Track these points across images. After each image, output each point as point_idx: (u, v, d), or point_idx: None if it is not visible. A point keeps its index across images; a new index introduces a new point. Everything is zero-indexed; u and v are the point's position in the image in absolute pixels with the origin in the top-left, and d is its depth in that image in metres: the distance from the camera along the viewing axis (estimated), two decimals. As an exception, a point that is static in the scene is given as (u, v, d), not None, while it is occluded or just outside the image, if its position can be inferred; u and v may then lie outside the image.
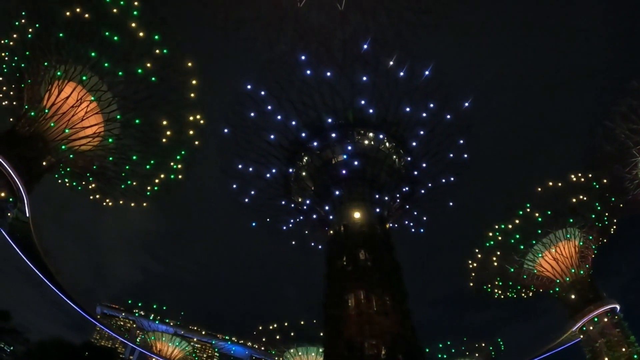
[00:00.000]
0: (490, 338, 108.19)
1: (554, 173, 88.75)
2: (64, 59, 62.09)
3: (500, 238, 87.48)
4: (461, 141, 63.07)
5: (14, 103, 68.60)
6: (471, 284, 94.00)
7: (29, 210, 63.55)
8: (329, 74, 56.07)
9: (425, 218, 68.19)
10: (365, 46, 56.22)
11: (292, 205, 66.28)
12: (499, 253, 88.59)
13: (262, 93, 57.33)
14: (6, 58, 67.27)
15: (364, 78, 57.12)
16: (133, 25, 59.93)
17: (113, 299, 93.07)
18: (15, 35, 65.31)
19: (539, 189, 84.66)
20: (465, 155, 63.88)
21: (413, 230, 68.57)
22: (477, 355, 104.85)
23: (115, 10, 60.19)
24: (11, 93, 69.22)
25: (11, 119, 67.01)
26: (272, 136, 60.39)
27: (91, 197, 74.77)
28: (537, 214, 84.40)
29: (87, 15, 60.20)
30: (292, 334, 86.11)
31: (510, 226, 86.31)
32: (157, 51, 60.99)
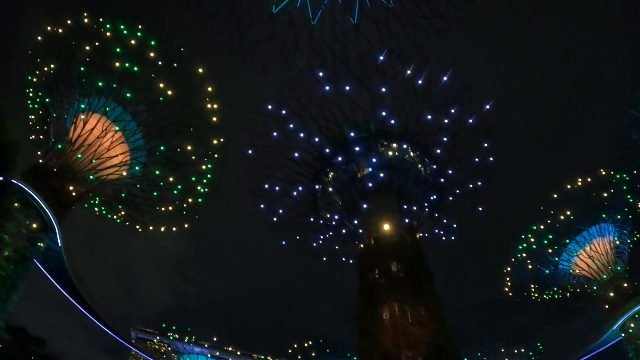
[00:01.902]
0: (529, 342, 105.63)
1: (583, 169, 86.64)
2: (87, 91, 63.75)
3: (532, 240, 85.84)
4: (485, 144, 62.44)
5: (41, 137, 70.30)
6: (507, 289, 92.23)
7: (61, 240, 64.71)
8: (347, 87, 56.15)
9: (455, 225, 67.49)
10: (382, 57, 56.36)
11: (321, 221, 66.30)
12: (533, 255, 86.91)
13: (284, 112, 57.75)
14: (31, 94, 69.19)
15: (383, 89, 57.07)
16: (152, 55, 61.63)
17: (147, 323, 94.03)
18: (38, 72, 67.30)
19: (568, 187, 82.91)
20: (491, 158, 63.21)
21: (444, 238, 67.87)
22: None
23: (133, 42, 62.05)
24: (38, 127, 70.99)
25: (39, 152, 68.56)
26: (296, 154, 60.67)
27: (121, 224, 76.27)
28: (568, 212, 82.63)
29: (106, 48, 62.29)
30: (327, 349, 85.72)
31: (542, 227, 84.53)
32: (176, 77, 62.28)
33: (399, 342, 48.67)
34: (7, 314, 55.44)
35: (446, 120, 60.39)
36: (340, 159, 60.65)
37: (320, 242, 68.79)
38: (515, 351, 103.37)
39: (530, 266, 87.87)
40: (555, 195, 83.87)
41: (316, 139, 59.77)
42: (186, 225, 73.94)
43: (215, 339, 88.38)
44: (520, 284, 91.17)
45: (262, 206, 64.39)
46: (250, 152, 61.15)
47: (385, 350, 48.88)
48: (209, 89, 63.57)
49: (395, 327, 49.77)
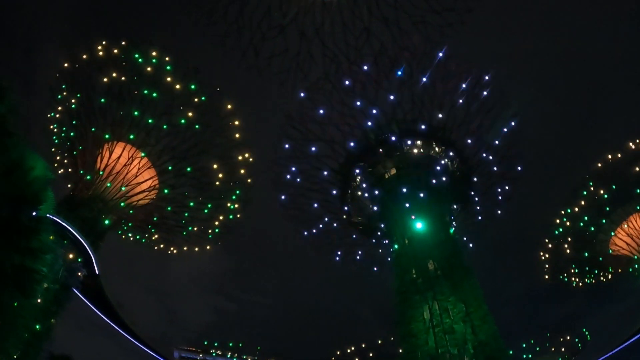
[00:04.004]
0: (573, 330, 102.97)
1: (613, 145, 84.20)
2: (109, 121, 65.12)
3: (568, 223, 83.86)
4: (510, 131, 61.53)
5: (70, 170, 71.71)
6: (546, 277, 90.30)
7: (98, 268, 66.02)
8: (366, 90, 56.22)
9: (488, 216, 66.54)
10: (396, 56, 56.33)
11: (354, 226, 66.20)
12: (569, 239, 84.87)
13: (305, 122, 58.01)
14: (55, 129, 70.77)
15: (401, 88, 56.93)
16: (169, 79, 63.12)
17: (189, 342, 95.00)
18: (60, 107, 68.84)
19: (599, 164, 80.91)
20: (517, 144, 62.38)
21: (478, 231, 67.02)
22: (563, 349, 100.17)
23: (149, 69, 63.60)
24: (65, 161, 72.49)
25: (69, 185, 69.97)
26: (322, 162, 60.87)
27: (155, 247, 77.56)
28: (601, 191, 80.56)
29: (124, 78, 63.76)
30: (370, 354, 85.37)
31: (576, 209, 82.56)
32: (196, 99, 63.30)
33: (442, 341, 48.20)
34: (50, 343, 56.68)
35: (468, 111, 59.82)
36: (366, 162, 60.65)
37: (354, 247, 68.77)
38: (562, 339, 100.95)
39: (568, 250, 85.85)
40: (587, 175, 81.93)
41: (340, 146, 59.97)
42: (219, 243, 74.88)
43: (258, 352, 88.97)
44: (560, 270, 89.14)
45: (292, 217, 64.82)
46: (276, 164, 61.62)
47: (429, 351, 48.46)
48: (229, 106, 64.53)
49: (438, 327, 49.30)
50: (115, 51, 64.76)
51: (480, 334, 47.86)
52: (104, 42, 65.22)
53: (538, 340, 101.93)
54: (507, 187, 64.23)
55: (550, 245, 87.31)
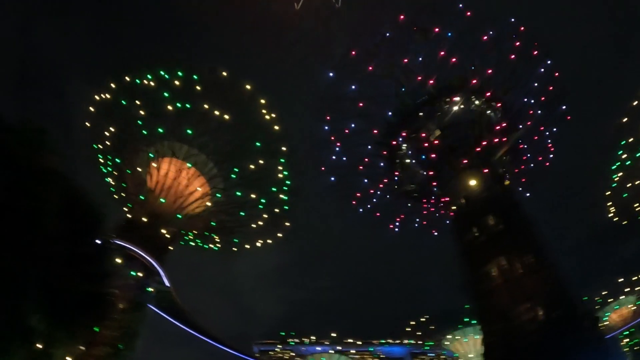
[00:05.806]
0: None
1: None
2: (150, 140, 67.18)
3: (625, 155, 78.79)
4: (546, 70, 58.94)
5: (123, 194, 74.22)
6: (611, 215, 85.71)
7: (168, 280, 68.72)
8: (394, 57, 55.21)
9: (541, 163, 64.30)
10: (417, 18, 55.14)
11: (407, 195, 65.77)
12: (629, 171, 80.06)
13: (340, 100, 57.59)
14: (101, 160, 73.39)
15: (429, 48, 55.61)
16: (198, 88, 64.21)
17: (266, 335, 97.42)
18: (100, 139, 71.08)
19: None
20: (557, 84, 59.73)
21: (533, 180, 64.90)
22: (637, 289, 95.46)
23: (177, 83, 64.88)
24: (117, 187, 75.01)
25: (125, 208, 72.52)
26: (363, 136, 60.58)
27: (218, 251, 79.99)
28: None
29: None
30: (445, 320, 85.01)
31: (631, 139, 77.35)
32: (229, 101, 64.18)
33: (514, 296, 47.22)
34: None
35: (500, 59, 57.68)
36: (408, 129, 59.67)
37: (411, 216, 68.20)
38: (635, 278, 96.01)
39: (629, 184, 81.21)
40: (635, 102, 76.96)
41: (379, 117, 59.36)
42: (280, 235, 75.74)
43: (334, 335, 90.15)
44: (624, 206, 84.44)
45: (347, 197, 64.94)
46: (323, 146, 62.03)
47: (502, 308, 47.62)
48: (262, 100, 64.96)
49: (508, 282, 48.40)
50: (140, 73, 66.25)
51: (551, 284, 46.54)
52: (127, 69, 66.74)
53: (610, 282, 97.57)
54: (554, 129, 61.87)
55: (609, 181, 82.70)
